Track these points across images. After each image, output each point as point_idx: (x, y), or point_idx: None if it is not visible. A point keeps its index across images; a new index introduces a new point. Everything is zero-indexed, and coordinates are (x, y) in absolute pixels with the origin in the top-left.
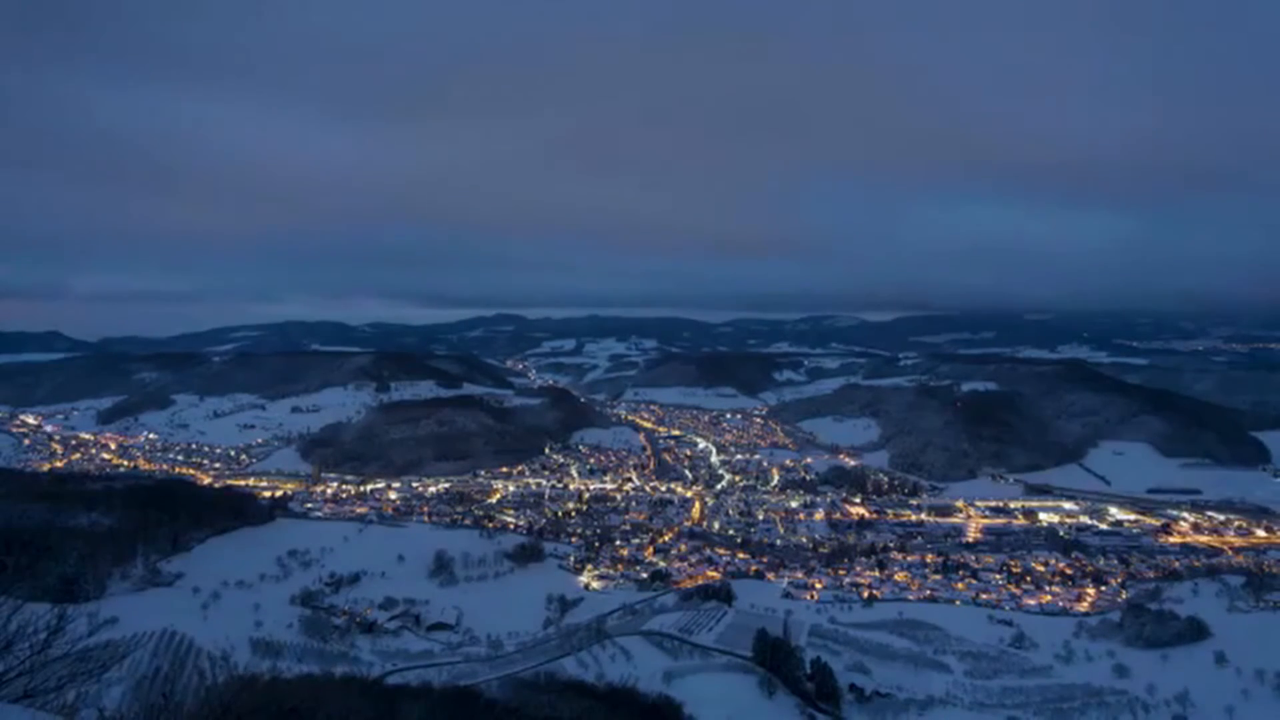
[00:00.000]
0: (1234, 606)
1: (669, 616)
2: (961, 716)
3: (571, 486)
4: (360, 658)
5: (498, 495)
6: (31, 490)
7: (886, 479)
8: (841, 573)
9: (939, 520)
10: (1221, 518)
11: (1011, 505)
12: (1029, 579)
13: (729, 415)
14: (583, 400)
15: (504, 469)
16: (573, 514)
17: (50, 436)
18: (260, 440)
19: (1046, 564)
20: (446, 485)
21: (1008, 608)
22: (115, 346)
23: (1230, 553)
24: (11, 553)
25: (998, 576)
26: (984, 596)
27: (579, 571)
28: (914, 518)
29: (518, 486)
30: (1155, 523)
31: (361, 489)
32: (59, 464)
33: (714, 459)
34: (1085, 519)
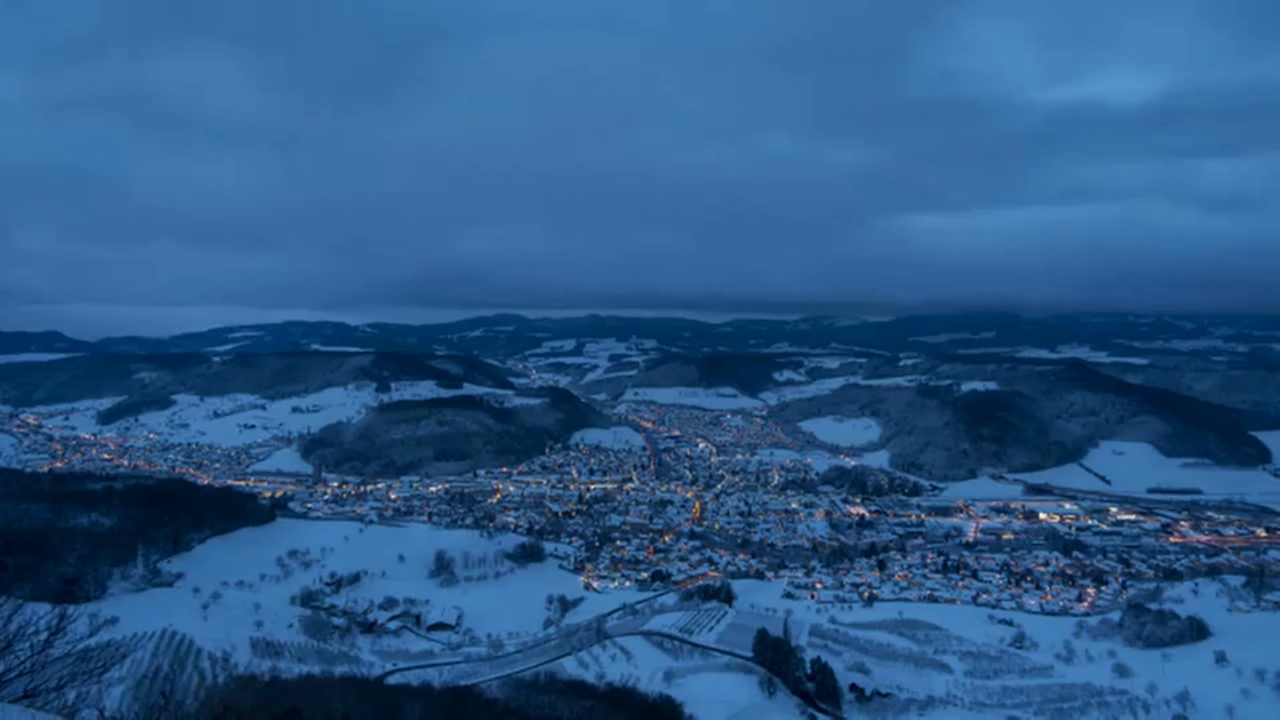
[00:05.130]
0: (1234, 606)
1: (669, 616)
2: (962, 716)
3: (572, 486)
4: (361, 658)
5: (498, 495)
6: (31, 490)
7: (886, 479)
8: (842, 573)
9: (939, 520)
10: (1222, 517)
11: (1012, 505)
12: (1029, 579)
13: (729, 415)
14: (583, 400)
15: (504, 469)
16: (573, 514)
17: (50, 436)
18: (260, 440)
19: (1047, 564)
20: (447, 485)
21: (1008, 608)
22: (115, 346)
23: (1230, 553)
24: (12, 553)
25: (998, 576)
26: (984, 596)
27: (579, 571)
28: (914, 518)
29: (518, 486)
30: (1155, 522)
31: (362, 489)
32: (59, 464)
33: (714, 459)
34: (1085, 519)
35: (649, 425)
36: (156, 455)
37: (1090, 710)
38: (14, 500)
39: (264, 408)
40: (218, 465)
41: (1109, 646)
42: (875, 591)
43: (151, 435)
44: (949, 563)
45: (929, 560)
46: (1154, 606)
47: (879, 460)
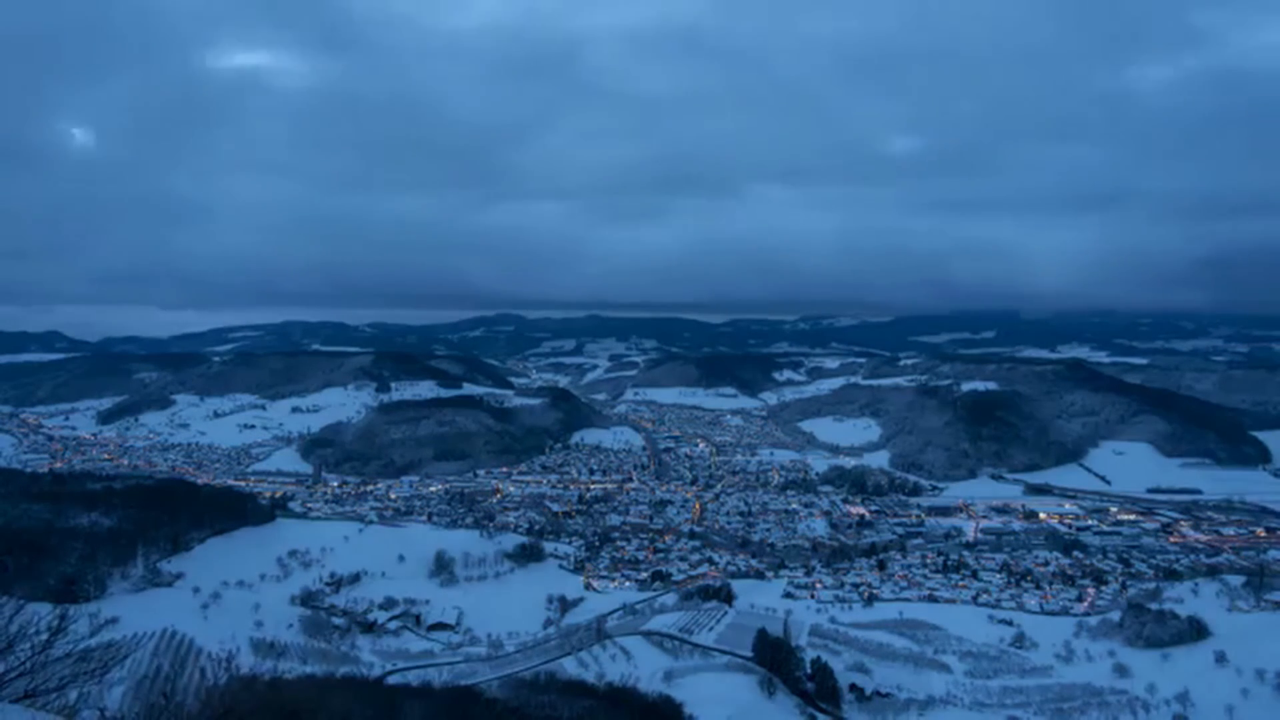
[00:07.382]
0: (1234, 606)
1: (669, 616)
2: (962, 716)
3: (572, 486)
4: (361, 658)
5: (498, 495)
6: (31, 490)
7: (886, 479)
8: (842, 573)
9: (939, 520)
10: (1222, 517)
11: (1012, 505)
12: (1029, 579)
13: (729, 415)
14: (583, 400)
15: (504, 469)
16: (573, 514)
17: (50, 436)
18: (260, 440)
19: (1047, 564)
20: (447, 485)
21: (1008, 608)
22: (115, 346)
23: (1230, 553)
24: (12, 553)
25: (998, 576)
26: (984, 596)
27: (579, 571)
28: (914, 517)
29: (518, 486)
30: (1155, 522)
31: (362, 489)
32: (59, 464)
33: (714, 459)
34: (1085, 519)
35: (649, 425)
36: (156, 455)
37: (1090, 710)
38: (14, 500)
39: (264, 408)
40: (218, 465)
41: (1109, 646)
42: (875, 591)
43: (151, 435)
44: (949, 563)
45: (929, 560)
46: (1154, 606)
47: (879, 460)
